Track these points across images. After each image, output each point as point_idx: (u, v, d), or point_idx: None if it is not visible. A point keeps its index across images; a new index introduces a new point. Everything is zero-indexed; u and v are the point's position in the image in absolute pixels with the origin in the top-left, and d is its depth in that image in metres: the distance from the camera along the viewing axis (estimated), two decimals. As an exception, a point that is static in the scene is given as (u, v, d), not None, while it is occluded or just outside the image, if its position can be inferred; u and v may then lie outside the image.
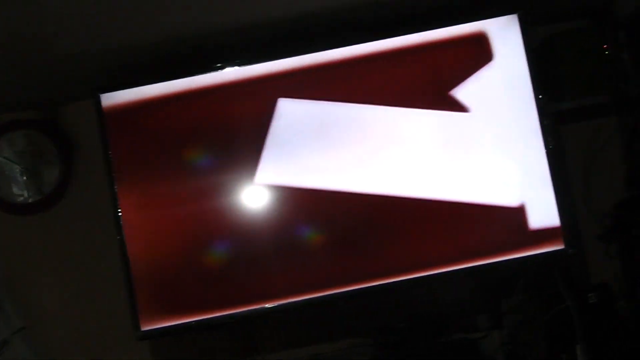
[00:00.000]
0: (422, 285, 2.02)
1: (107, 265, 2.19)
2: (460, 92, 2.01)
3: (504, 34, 2.01)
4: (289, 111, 2.03)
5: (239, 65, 2.02)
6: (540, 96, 1.99)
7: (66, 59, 1.95)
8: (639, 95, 2.04)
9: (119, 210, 2.00)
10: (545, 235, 1.97)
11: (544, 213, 1.98)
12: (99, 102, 2.02)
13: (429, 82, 2.02)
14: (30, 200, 2.21)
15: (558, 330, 2.01)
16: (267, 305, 1.98)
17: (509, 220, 1.98)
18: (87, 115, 2.08)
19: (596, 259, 2.19)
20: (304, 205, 2.01)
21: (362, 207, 2.00)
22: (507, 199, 1.98)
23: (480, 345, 2.10)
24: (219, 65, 2.02)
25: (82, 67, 2.03)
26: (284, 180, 2.02)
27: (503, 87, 2.01)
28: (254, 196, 2.01)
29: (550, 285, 2.02)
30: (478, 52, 2.01)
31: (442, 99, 2.01)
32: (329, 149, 2.02)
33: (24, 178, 2.19)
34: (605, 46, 2.09)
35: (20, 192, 2.20)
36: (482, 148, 2.00)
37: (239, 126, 2.04)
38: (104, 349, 2.24)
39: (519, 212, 1.98)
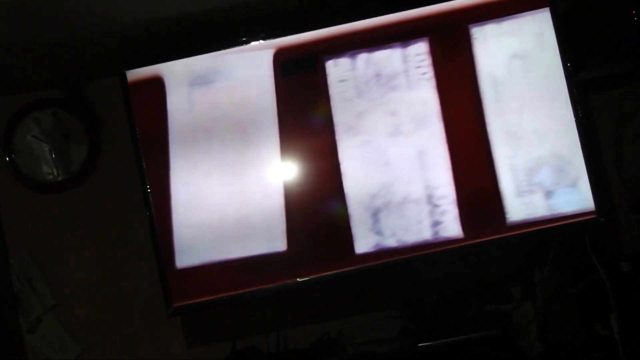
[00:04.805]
0: (454, 257, 2.00)
1: (137, 241, 2.20)
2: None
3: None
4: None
5: (264, 39, 2.02)
6: (568, 64, 1.97)
7: (90, 37, 1.95)
8: (669, 61, 2.01)
9: (148, 186, 2.01)
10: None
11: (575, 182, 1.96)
12: (124, 78, 2.02)
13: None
14: (59, 179, 2.22)
15: (591, 300, 1.99)
16: (297, 280, 1.98)
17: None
18: (113, 92, 2.08)
19: (629, 228, 2.17)
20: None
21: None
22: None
23: (512, 316, 2.08)
24: (244, 39, 2.02)
25: (106, 44, 2.03)
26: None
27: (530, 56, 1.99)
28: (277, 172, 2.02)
29: (583, 254, 2.00)
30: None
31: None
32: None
33: (53, 156, 2.20)
34: (634, 12, 2.06)
35: (49, 171, 2.21)
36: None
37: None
38: (136, 325, 2.25)
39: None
